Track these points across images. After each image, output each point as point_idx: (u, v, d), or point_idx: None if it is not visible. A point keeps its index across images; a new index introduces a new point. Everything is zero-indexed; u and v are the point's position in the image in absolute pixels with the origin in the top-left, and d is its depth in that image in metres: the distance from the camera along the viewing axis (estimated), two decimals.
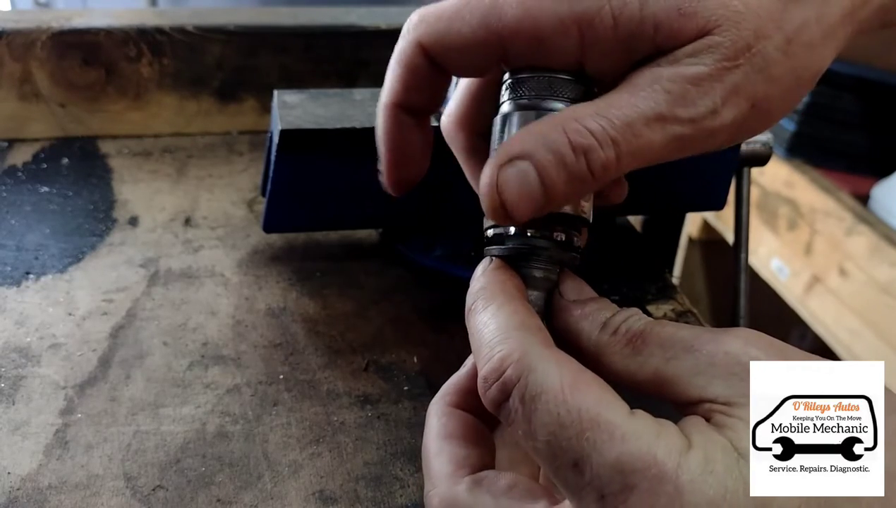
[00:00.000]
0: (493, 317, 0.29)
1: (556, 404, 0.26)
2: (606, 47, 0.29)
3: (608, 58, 0.30)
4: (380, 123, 0.33)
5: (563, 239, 0.32)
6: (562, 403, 0.26)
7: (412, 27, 0.32)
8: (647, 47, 0.29)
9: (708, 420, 0.27)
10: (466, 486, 0.29)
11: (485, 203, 0.30)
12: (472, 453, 0.31)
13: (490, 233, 0.33)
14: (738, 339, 0.27)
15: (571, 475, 0.25)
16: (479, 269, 0.32)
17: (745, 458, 0.25)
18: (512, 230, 0.32)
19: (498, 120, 0.32)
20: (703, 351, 0.27)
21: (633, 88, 0.29)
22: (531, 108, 0.31)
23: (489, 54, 0.31)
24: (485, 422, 0.33)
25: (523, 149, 0.29)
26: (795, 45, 0.29)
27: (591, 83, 0.31)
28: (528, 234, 0.32)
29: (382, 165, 0.34)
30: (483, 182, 0.29)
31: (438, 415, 0.32)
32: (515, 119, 0.32)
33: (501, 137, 0.32)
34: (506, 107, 0.32)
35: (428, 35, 0.31)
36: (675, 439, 0.25)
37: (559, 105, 0.31)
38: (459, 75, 0.33)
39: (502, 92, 0.33)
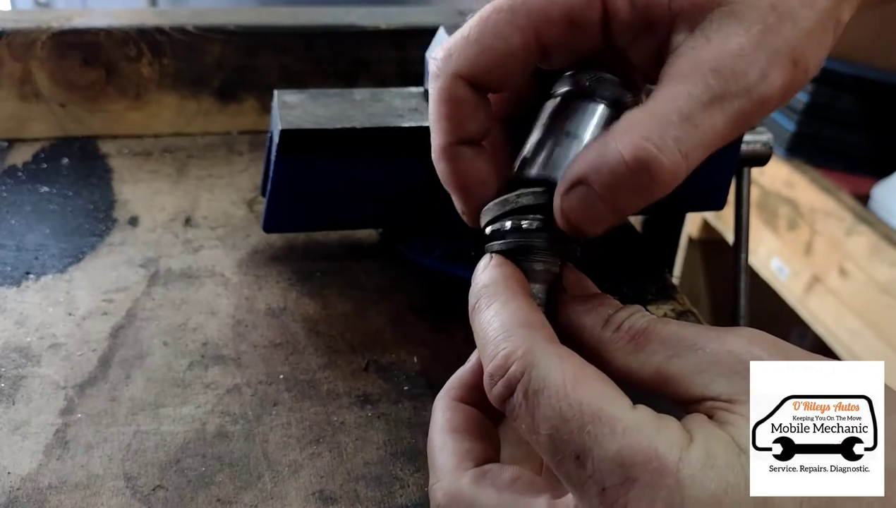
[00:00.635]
0: (496, 315, 0.29)
1: (558, 398, 0.26)
2: (626, 18, 0.30)
3: (630, 29, 0.30)
4: (442, 168, 0.33)
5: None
6: (563, 398, 0.26)
7: (443, 64, 0.31)
8: (663, 14, 0.29)
9: (710, 417, 0.27)
10: (470, 479, 0.30)
11: (561, 225, 0.30)
12: (476, 447, 0.31)
13: (489, 229, 0.33)
14: (741, 338, 0.28)
15: (573, 468, 0.26)
16: (481, 266, 0.32)
17: (746, 454, 0.25)
18: (508, 224, 0.32)
19: (548, 107, 0.33)
20: (706, 349, 0.28)
21: (679, 79, 0.29)
22: (585, 97, 0.32)
23: (527, 56, 0.31)
24: (489, 417, 0.33)
25: (582, 174, 0.29)
26: None
27: (628, 83, 0.32)
28: (527, 228, 0.32)
29: (458, 205, 0.34)
30: (555, 208, 0.30)
31: (443, 409, 0.33)
32: (549, 108, 0.33)
33: (546, 124, 0.33)
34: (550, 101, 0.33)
35: (464, 63, 0.31)
36: (677, 433, 0.25)
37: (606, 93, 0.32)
38: (502, 91, 0.33)
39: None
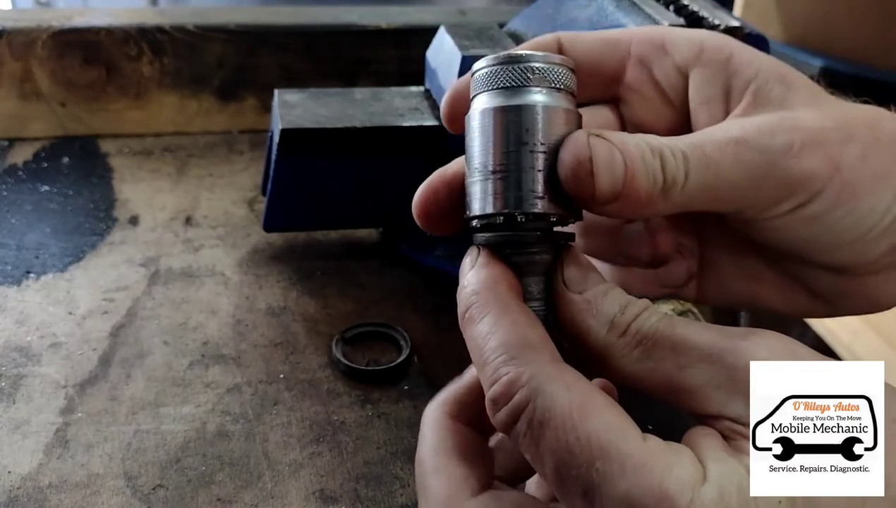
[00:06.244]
0: (492, 331, 0.27)
1: (564, 430, 0.25)
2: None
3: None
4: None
5: (554, 219, 0.30)
6: (571, 430, 0.25)
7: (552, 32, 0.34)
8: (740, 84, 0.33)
9: (726, 438, 0.26)
10: None
11: (570, 164, 0.28)
12: (473, 473, 0.29)
13: (476, 222, 0.30)
14: (759, 349, 0.26)
15: (580, 503, 0.25)
16: (467, 264, 0.30)
17: None
18: (498, 216, 0.29)
19: None
20: (722, 362, 0.26)
21: (714, 123, 0.32)
22: None
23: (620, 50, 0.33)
24: (483, 430, 0.31)
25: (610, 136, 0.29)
26: (874, 149, 0.30)
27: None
28: (517, 219, 0.29)
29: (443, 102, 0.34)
30: (576, 144, 0.29)
31: (436, 427, 0.31)
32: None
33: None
34: None
35: (568, 35, 0.33)
36: (689, 470, 0.24)
37: None
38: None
39: None
